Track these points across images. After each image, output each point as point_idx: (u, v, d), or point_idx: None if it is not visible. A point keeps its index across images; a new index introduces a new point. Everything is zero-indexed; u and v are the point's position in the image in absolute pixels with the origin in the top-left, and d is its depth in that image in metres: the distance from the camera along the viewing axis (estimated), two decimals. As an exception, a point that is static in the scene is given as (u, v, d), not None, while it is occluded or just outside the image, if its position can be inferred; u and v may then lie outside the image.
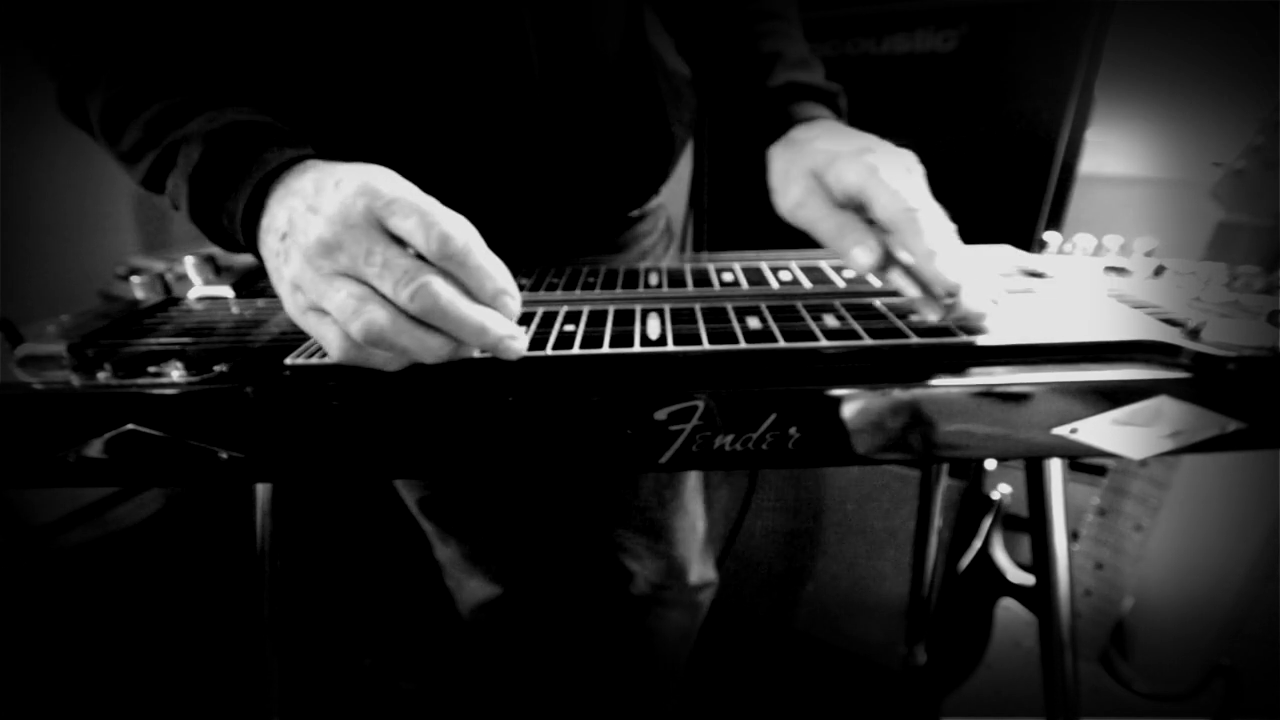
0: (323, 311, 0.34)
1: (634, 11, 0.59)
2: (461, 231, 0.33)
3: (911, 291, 0.39)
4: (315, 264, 0.33)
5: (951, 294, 0.37)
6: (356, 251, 0.33)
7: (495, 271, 0.34)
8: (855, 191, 0.42)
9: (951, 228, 0.40)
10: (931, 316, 0.39)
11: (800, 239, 0.51)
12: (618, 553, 0.88)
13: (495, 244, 0.35)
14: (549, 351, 0.37)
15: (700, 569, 0.91)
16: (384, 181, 0.34)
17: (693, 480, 0.83)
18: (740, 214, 1.03)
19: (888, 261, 0.41)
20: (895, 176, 0.41)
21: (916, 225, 0.38)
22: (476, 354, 0.36)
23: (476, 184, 0.53)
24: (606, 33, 0.57)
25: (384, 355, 0.34)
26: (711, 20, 0.58)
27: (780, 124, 0.51)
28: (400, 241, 0.33)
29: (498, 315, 0.34)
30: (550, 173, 0.58)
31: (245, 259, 0.58)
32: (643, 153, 0.64)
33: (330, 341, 0.34)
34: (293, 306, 0.36)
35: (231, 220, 0.39)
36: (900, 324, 0.39)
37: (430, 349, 0.33)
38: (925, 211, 0.39)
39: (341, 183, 0.34)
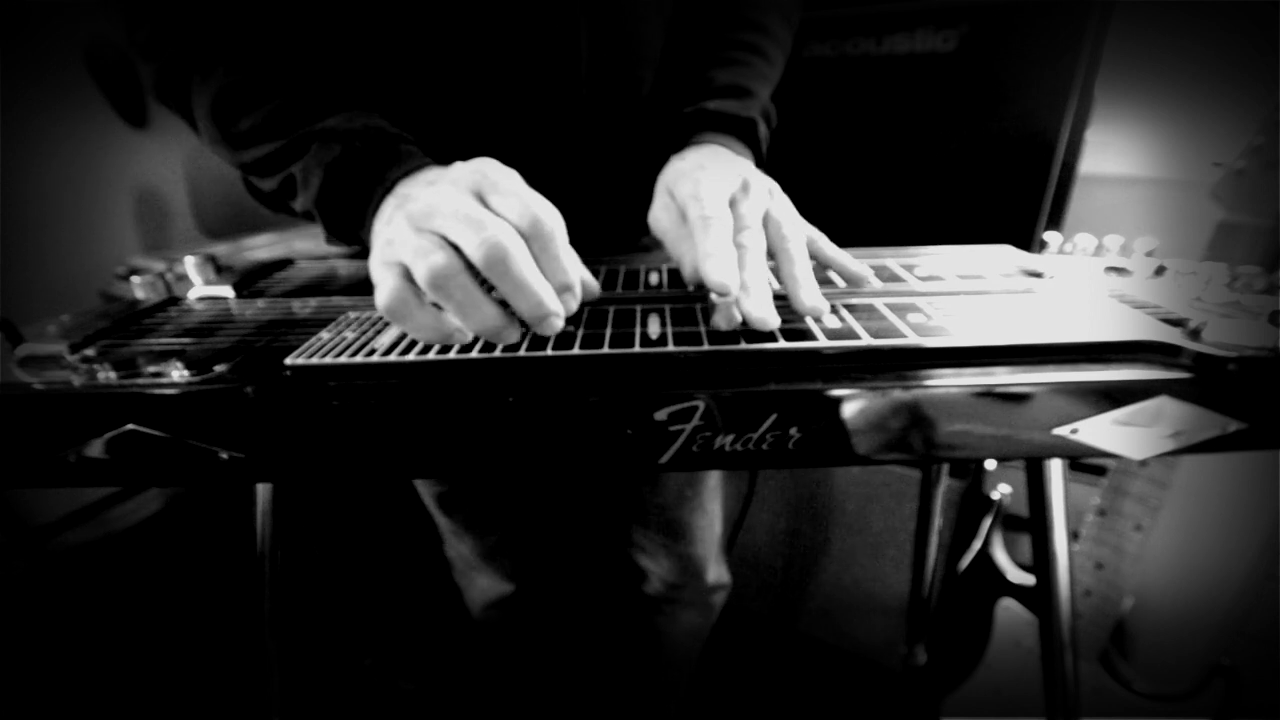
0: (395, 264, 0.36)
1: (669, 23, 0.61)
2: (553, 219, 0.36)
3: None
4: (414, 222, 0.36)
5: (720, 294, 0.38)
6: (448, 211, 0.35)
7: (570, 267, 0.36)
8: (680, 203, 0.44)
9: (754, 255, 0.41)
10: (719, 322, 0.39)
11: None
12: (632, 551, 0.88)
13: None
14: (549, 352, 0.37)
15: (716, 569, 0.91)
16: (497, 168, 0.38)
17: (713, 479, 0.83)
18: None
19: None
20: (713, 190, 0.43)
21: (704, 229, 0.41)
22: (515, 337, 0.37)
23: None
24: (649, 42, 0.59)
25: (424, 318, 0.36)
26: (686, 32, 0.60)
27: (676, 146, 0.53)
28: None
29: (553, 292, 0.35)
30: (590, 176, 0.60)
31: (246, 259, 0.58)
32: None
33: (385, 284, 0.36)
34: (375, 258, 0.38)
35: (365, 206, 0.44)
36: (901, 324, 0.39)
37: (482, 314, 0.35)
38: (719, 220, 0.41)
39: (461, 166, 0.39)
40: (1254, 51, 0.89)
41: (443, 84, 0.54)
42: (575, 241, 0.47)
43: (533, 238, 0.35)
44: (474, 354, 0.37)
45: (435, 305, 0.36)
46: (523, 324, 0.36)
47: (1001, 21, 0.84)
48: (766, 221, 0.44)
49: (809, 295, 0.40)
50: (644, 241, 0.69)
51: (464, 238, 0.34)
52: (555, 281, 0.36)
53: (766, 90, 0.59)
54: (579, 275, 0.37)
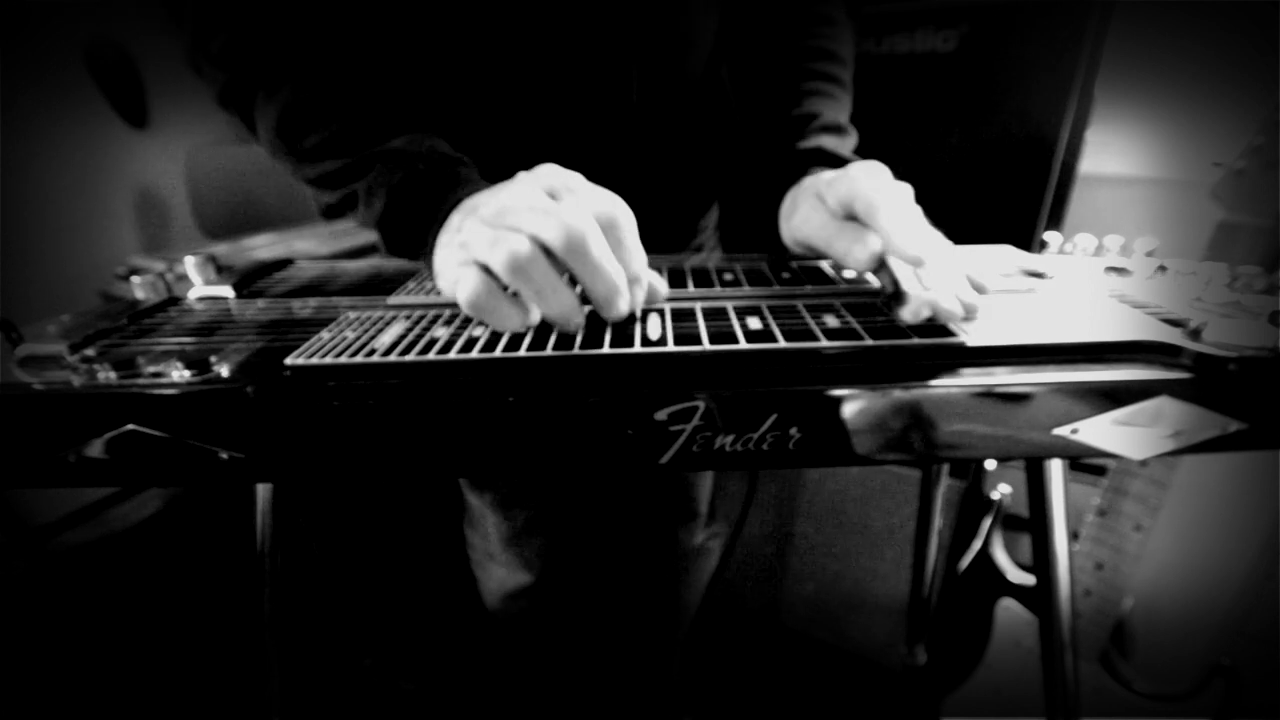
0: (472, 262, 0.37)
1: (716, 45, 0.63)
2: (626, 213, 0.38)
3: (891, 287, 0.41)
4: (488, 221, 0.38)
5: (917, 264, 0.38)
6: (522, 206, 0.37)
7: (640, 259, 0.38)
8: (845, 198, 0.45)
9: (938, 241, 0.41)
10: (905, 315, 0.39)
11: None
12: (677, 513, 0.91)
13: None
14: (549, 352, 0.37)
15: (707, 519, 0.96)
16: (563, 171, 0.40)
17: None
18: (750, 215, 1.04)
19: (882, 261, 0.43)
20: (876, 181, 0.44)
21: (886, 208, 0.41)
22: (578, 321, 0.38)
23: None
24: (695, 64, 0.62)
25: (508, 310, 0.37)
26: (767, 63, 0.61)
27: (798, 177, 0.55)
28: None
29: (625, 277, 0.37)
30: (636, 188, 0.61)
31: (246, 259, 0.59)
32: (714, 168, 0.69)
33: (467, 281, 0.37)
34: (451, 262, 0.39)
35: (426, 227, 0.45)
36: (901, 324, 0.39)
37: (560, 299, 0.37)
38: (895, 200, 0.41)
39: (525, 174, 0.40)
40: (1254, 51, 0.89)
41: (497, 101, 0.56)
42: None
43: (608, 229, 0.37)
44: (474, 354, 0.37)
45: (515, 295, 0.38)
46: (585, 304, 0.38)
47: (1001, 21, 0.84)
48: None
49: (961, 290, 0.40)
50: (692, 245, 0.73)
51: (542, 225, 0.36)
52: (628, 270, 0.38)
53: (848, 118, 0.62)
54: (644, 265, 0.39)
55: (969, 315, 0.39)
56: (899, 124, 0.93)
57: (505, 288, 0.37)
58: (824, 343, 0.37)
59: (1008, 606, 0.94)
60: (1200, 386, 0.34)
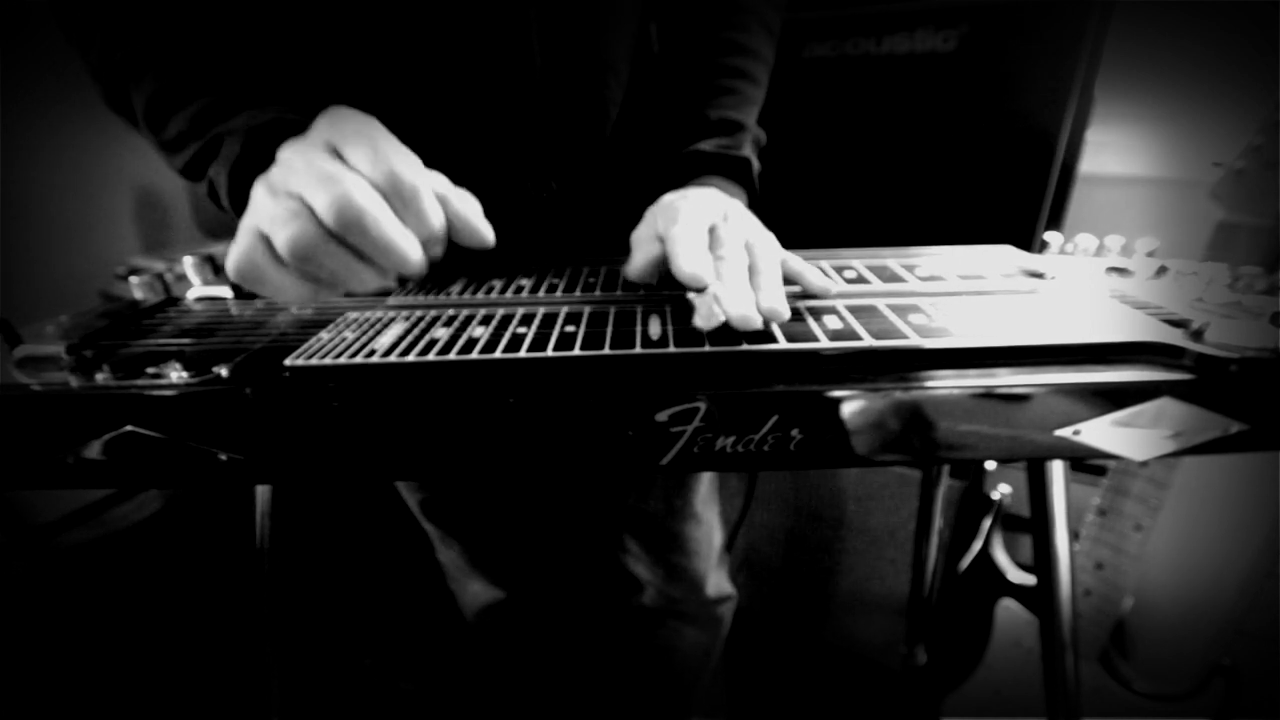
0: (251, 229, 0.35)
1: (643, 23, 0.61)
2: (410, 170, 0.34)
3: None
4: (271, 186, 0.35)
5: (693, 286, 0.39)
6: (300, 167, 0.34)
7: (433, 216, 0.36)
8: (660, 229, 0.46)
9: (730, 265, 0.41)
10: (698, 321, 0.39)
11: (805, 240, 0.52)
12: (626, 560, 0.87)
13: (500, 240, 0.38)
14: (550, 353, 0.37)
15: (717, 581, 0.89)
16: (350, 117, 0.37)
17: (705, 489, 0.82)
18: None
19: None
20: (692, 214, 0.45)
21: (672, 240, 0.42)
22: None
23: (479, 180, 0.54)
24: (613, 39, 0.59)
25: (279, 279, 0.36)
26: (676, 52, 0.60)
27: (673, 185, 0.55)
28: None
29: (418, 243, 0.35)
30: (552, 170, 0.59)
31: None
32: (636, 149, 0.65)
33: (235, 246, 0.35)
34: (241, 228, 0.37)
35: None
36: (902, 325, 0.39)
37: (360, 279, 0.35)
38: (694, 231, 0.43)
39: (317, 120, 0.37)
40: (1254, 51, 0.89)
41: (391, 82, 0.53)
42: (554, 231, 0.47)
43: (391, 193, 0.34)
44: (474, 355, 0.37)
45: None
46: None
47: (1001, 21, 0.84)
48: (746, 247, 0.45)
49: (766, 297, 0.40)
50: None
51: (315, 198, 0.33)
52: (419, 234, 0.35)
53: (755, 114, 0.61)
54: (441, 221, 0.37)
55: (776, 321, 0.39)
56: (899, 124, 0.93)
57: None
58: (825, 344, 0.37)
59: (1008, 606, 0.94)
60: (1202, 388, 0.34)
